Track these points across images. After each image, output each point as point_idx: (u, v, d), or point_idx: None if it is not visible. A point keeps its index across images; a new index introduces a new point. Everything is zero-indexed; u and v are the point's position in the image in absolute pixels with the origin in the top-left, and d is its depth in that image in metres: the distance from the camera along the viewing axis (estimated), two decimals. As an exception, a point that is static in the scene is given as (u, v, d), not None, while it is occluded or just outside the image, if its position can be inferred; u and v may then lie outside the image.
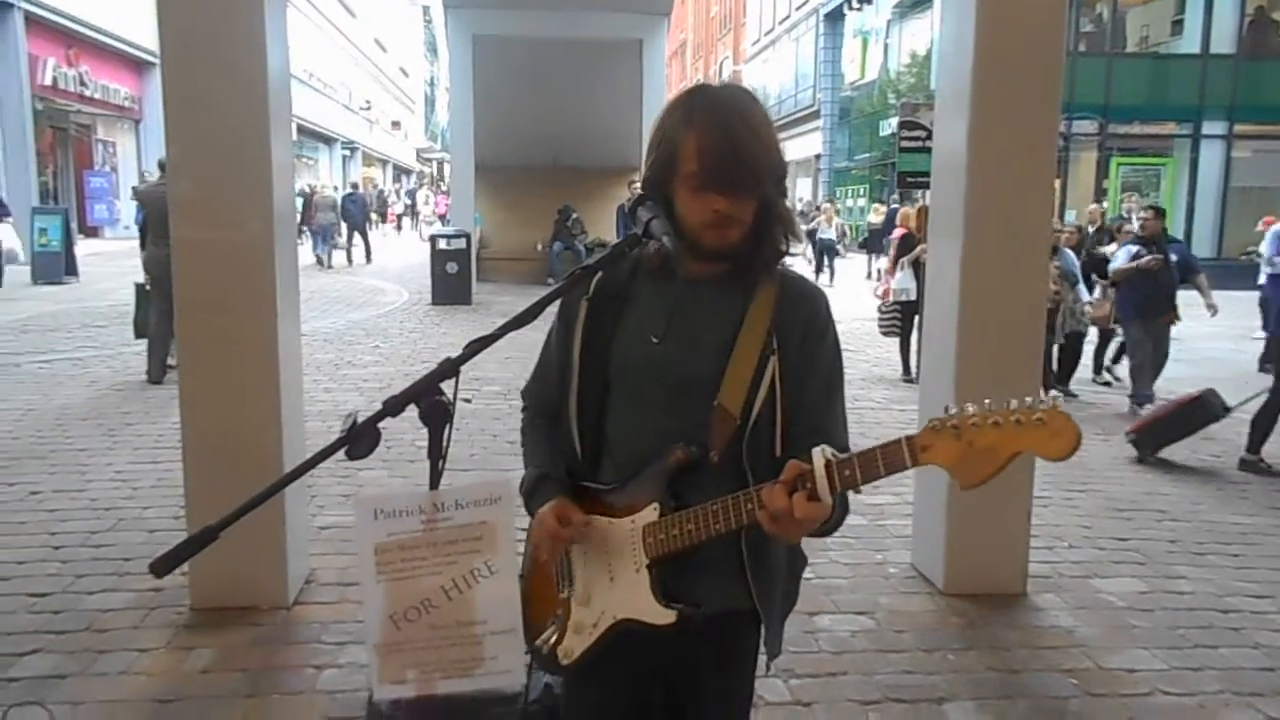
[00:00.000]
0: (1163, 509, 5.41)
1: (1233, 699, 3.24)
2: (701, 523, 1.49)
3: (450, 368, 1.39)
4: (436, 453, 1.41)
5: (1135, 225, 13.21)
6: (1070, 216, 20.13)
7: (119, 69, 21.85)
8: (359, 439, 1.37)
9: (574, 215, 17.61)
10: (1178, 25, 21.59)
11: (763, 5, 40.11)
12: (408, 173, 56.01)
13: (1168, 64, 21.53)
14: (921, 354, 5.04)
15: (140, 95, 22.68)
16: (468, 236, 14.25)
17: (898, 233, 14.39)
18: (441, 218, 30.63)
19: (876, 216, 22.65)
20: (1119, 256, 8.26)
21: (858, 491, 1.37)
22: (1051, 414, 1.21)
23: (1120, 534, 4.92)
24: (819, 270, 19.47)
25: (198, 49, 3.54)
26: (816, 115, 32.97)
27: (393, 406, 1.39)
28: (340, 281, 17.14)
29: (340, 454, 1.36)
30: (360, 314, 12.80)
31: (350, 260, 21.32)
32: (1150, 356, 8.03)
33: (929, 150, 6.32)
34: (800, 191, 34.75)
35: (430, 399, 1.38)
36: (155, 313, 7.96)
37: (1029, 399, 1.23)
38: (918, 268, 8.94)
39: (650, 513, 1.55)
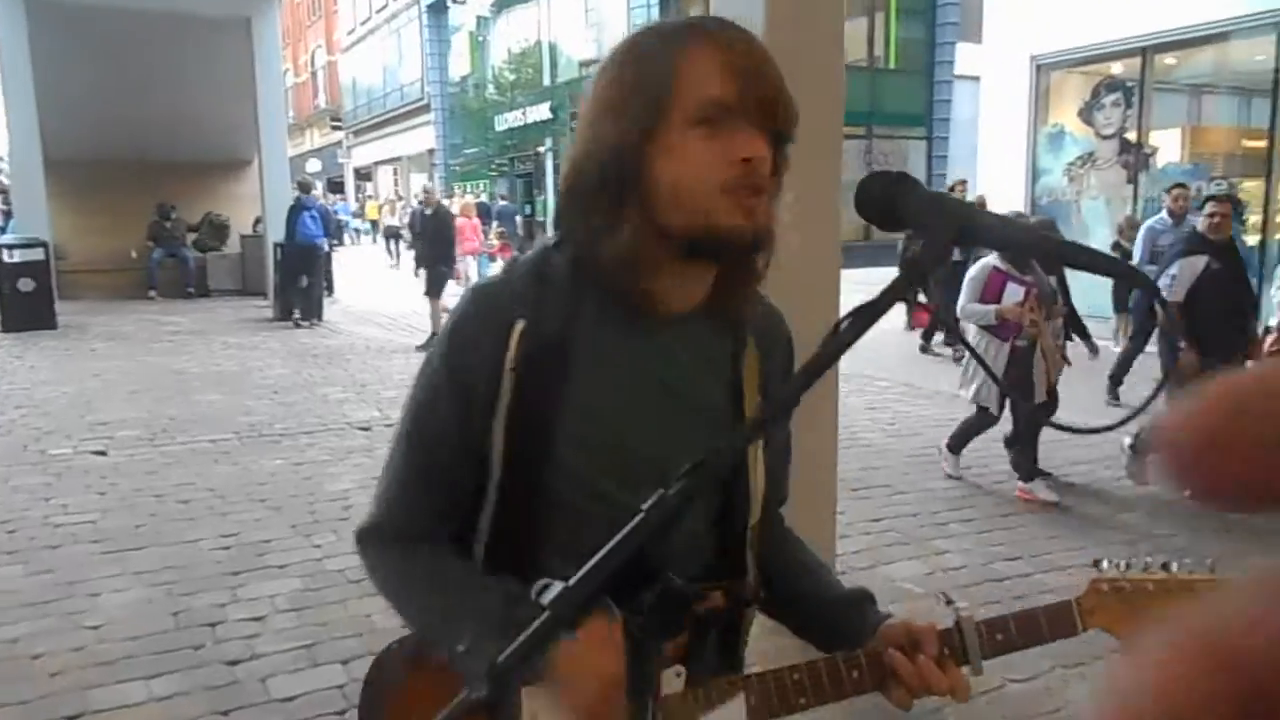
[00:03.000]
0: (886, 483, 5.68)
1: (1066, 673, 3.33)
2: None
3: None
4: None
5: None
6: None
7: None
8: None
9: (174, 215, 15.28)
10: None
11: (356, -8, 38.17)
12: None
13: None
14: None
15: None
16: (46, 246, 11.59)
17: (460, 223, 14.76)
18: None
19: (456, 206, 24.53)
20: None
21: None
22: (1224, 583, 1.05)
23: (874, 516, 5.06)
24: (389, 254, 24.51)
25: None
26: (427, 109, 32.14)
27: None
28: None
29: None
30: (-105, 352, 9.84)
31: None
32: None
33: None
34: (415, 186, 33.68)
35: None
36: None
37: (1189, 561, 1.11)
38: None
39: (671, 680, 1.05)
